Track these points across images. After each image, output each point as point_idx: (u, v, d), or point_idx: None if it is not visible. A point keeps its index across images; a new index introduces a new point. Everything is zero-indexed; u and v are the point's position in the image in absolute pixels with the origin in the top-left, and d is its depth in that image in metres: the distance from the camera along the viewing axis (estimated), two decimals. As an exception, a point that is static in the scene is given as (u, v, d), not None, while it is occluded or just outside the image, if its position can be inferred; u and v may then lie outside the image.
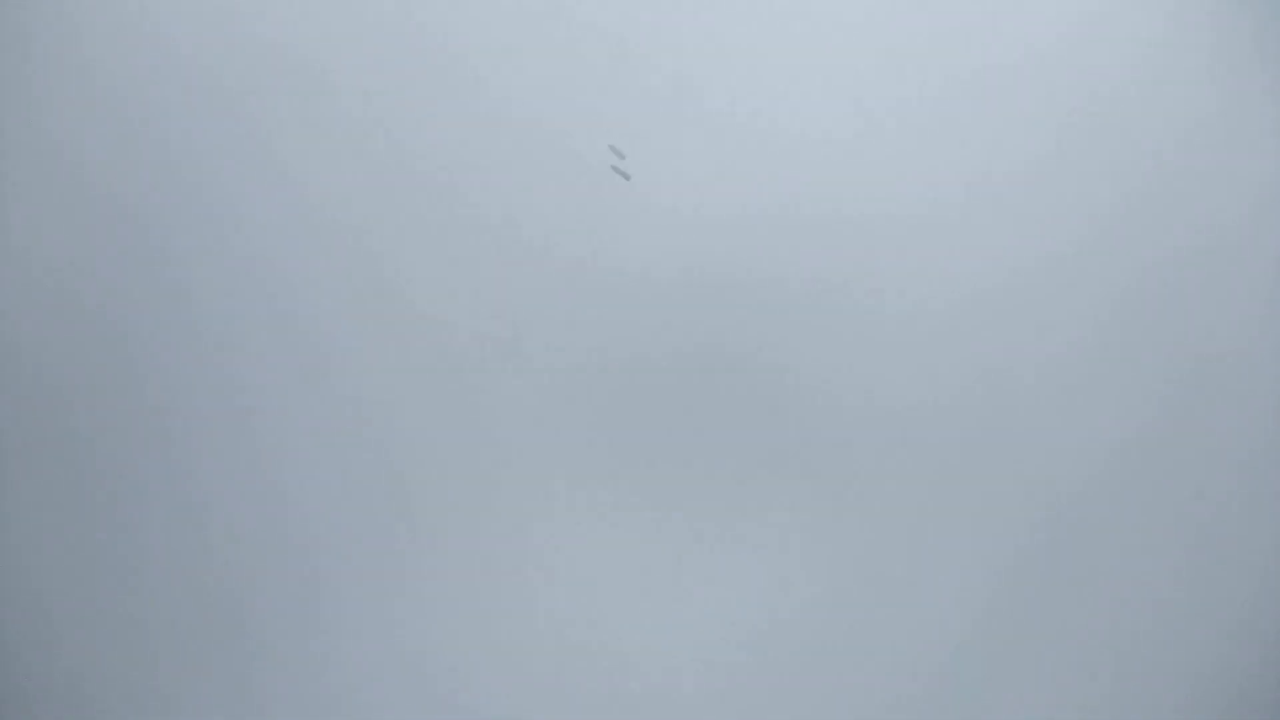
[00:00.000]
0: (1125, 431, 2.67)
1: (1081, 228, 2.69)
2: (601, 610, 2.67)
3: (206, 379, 2.69)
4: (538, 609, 2.67)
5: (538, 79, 2.70)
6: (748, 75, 2.71)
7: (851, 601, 2.67)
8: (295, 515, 2.67)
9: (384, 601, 2.66)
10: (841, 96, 2.72)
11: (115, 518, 2.68)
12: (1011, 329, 2.69)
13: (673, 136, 2.69)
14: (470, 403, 2.69)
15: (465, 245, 2.70)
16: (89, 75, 2.73)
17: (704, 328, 2.67)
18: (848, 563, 2.68)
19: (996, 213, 2.69)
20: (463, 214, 2.71)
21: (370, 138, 2.71)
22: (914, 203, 2.70)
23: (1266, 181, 2.69)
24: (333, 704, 2.65)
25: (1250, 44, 2.69)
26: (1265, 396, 2.67)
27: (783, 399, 2.68)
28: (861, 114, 2.71)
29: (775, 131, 2.71)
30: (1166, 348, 2.68)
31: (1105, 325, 2.68)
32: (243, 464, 2.67)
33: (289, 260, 2.70)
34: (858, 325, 2.69)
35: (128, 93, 2.73)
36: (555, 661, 2.66)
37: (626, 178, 2.40)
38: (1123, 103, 2.72)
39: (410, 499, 2.67)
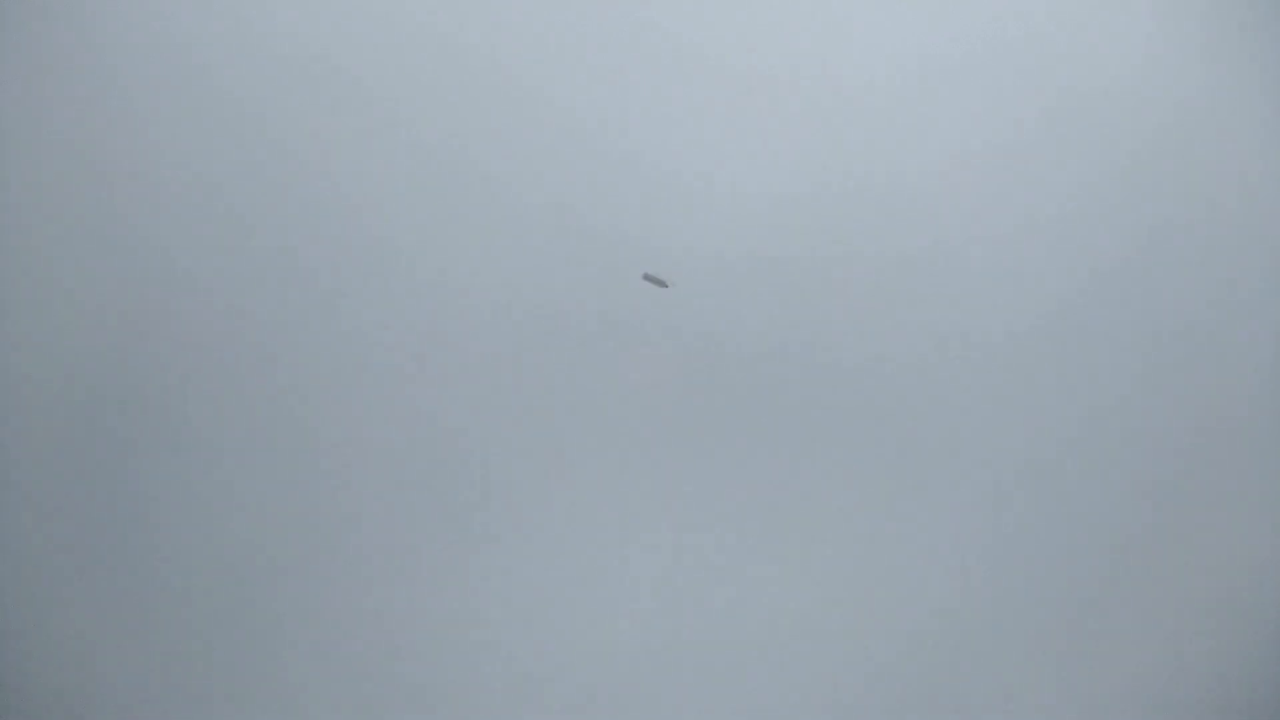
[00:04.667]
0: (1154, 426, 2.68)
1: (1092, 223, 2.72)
2: (601, 602, 2.67)
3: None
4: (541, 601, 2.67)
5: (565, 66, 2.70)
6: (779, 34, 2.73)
7: (843, 587, 2.68)
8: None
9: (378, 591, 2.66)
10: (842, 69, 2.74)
11: (123, 512, 2.67)
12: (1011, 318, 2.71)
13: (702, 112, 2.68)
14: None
15: (493, 231, 2.69)
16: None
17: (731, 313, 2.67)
18: (844, 548, 2.68)
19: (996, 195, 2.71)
20: (493, 201, 2.70)
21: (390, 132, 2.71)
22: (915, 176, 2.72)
23: (1260, 170, 2.72)
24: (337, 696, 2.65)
25: (1247, 35, 2.72)
26: (1260, 385, 2.70)
27: (780, 379, 2.68)
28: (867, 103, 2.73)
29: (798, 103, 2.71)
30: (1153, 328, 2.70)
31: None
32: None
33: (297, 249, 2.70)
34: (863, 302, 2.68)
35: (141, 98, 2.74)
36: (555, 657, 2.66)
37: (664, 284, 2.39)
38: (1118, 88, 2.72)
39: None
